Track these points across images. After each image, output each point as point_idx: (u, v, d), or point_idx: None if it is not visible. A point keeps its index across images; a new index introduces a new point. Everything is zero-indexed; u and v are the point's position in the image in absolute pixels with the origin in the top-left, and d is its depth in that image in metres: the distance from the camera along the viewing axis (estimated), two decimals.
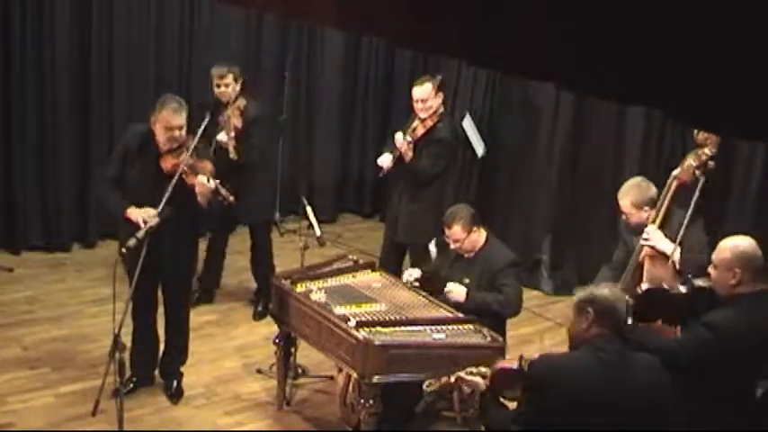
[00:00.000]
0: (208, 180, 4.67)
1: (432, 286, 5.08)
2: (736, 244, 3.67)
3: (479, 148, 7.25)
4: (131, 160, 4.84)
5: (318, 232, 5.31)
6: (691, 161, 4.33)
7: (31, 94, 6.73)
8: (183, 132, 4.77)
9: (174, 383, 5.15)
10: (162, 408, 5.06)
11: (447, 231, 4.92)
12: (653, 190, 4.45)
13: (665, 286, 4.08)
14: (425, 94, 5.76)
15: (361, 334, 4.30)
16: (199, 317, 5.88)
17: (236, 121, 5.94)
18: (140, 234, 4.43)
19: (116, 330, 4.20)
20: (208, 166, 4.81)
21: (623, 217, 4.57)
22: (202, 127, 4.84)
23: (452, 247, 4.95)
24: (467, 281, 4.90)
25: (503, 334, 4.69)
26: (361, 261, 5.28)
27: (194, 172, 4.70)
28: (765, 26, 1.66)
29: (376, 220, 8.43)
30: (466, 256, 4.95)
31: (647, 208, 4.42)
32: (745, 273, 3.60)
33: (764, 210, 5.81)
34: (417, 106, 5.80)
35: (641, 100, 2.07)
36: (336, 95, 8.36)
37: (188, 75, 7.31)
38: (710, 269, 3.72)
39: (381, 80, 8.47)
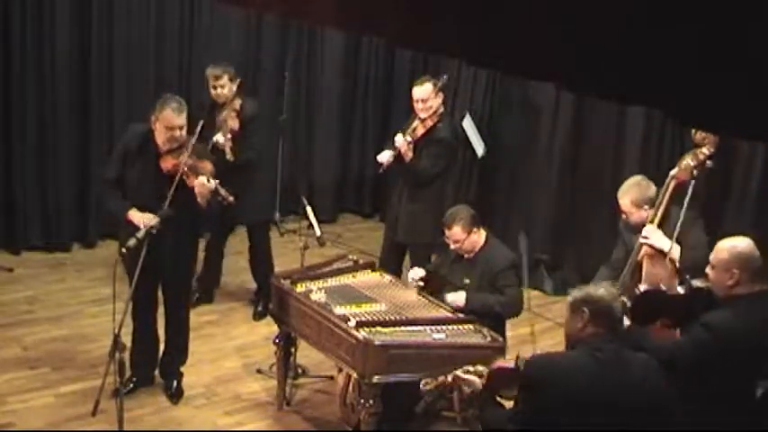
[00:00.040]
0: (208, 180, 4.67)
1: (432, 286, 5.08)
2: (734, 244, 3.67)
3: (479, 148, 7.25)
4: (131, 160, 4.84)
5: (318, 232, 5.31)
6: (689, 161, 4.34)
7: (31, 94, 6.73)
8: (184, 132, 4.78)
9: (174, 383, 5.15)
10: (162, 408, 5.06)
11: (447, 232, 4.92)
12: (653, 189, 4.46)
13: (663, 287, 4.08)
14: (425, 94, 5.76)
15: (361, 334, 4.29)
16: (199, 317, 5.89)
17: (233, 123, 5.92)
18: (140, 234, 4.43)
19: (116, 330, 4.19)
20: (208, 166, 4.81)
21: (623, 216, 4.57)
22: (198, 128, 4.83)
23: (452, 247, 4.95)
24: (467, 281, 4.90)
25: (503, 334, 4.69)
26: (361, 261, 5.28)
27: (194, 172, 4.70)
28: (765, 26, 1.66)
29: (376, 220, 8.44)
30: (466, 256, 4.95)
31: (646, 207, 4.42)
32: (743, 273, 3.60)
33: (764, 210, 5.81)
34: (417, 106, 5.80)
35: (641, 100, 2.07)
36: (336, 95, 8.36)
37: (188, 75, 7.31)
38: (708, 270, 3.72)
39: (381, 80, 8.47)
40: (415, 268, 5.14)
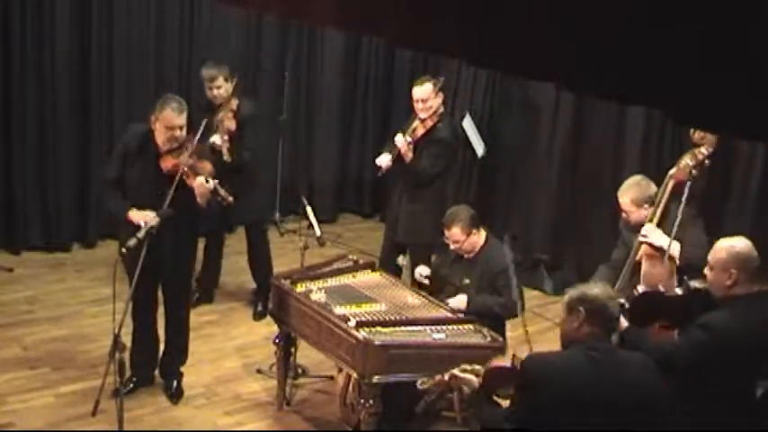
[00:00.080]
0: (207, 180, 4.68)
1: (432, 286, 5.09)
2: (732, 245, 3.66)
3: (479, 148, 7.25)
4: (131, 160, 4.84)
5: (318, 232, 5.31)
6: (687, 160, 4.34)
7: (31, 94, 6.73)
8: (184, 132, 4.78)
9: (174, 383, 5.15)
10: (162, 408, 5.06)
11: (446, 233, 4.92)
12: (653, 188, 4.47)
13: (661, 288, 4.08)
14: (425, 94, 5.76)
15: (361, 334, 4.30)
16: (199, 317, 5.88)
17: (230, 124, 5.90)
18: (140, 234, 4.43)
19: (116, 330, 4.19)
20: (207, 166, 4.81)
21: (623, 215, 4.58)
22: (201, 128, 4.83)
23: (452, 248, 4.95)
24: (467, 281, 4.91)
25: (503, 334, 4.70)
26: (361, 261, 5.28)
27: (194, 172, 4.70)
28: (765, 26, 1.66)
29: (376, 220, 8.43)
30: (466, 256, 4.95)
31: (646, 206, 4.43)
32: (741, 273, 3.60)
33: (764, 210, 5.80)
34: (417, 106, 5.80)
35: (641, 100, 2.07)
36: (336, 95, 8.36)
37: (188, 75, 7.30)
38: (707, 271, 3.71)
39: (381, 80, 8.46)
40: (421, 266, 5.14)
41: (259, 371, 5.47)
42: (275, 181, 7.94)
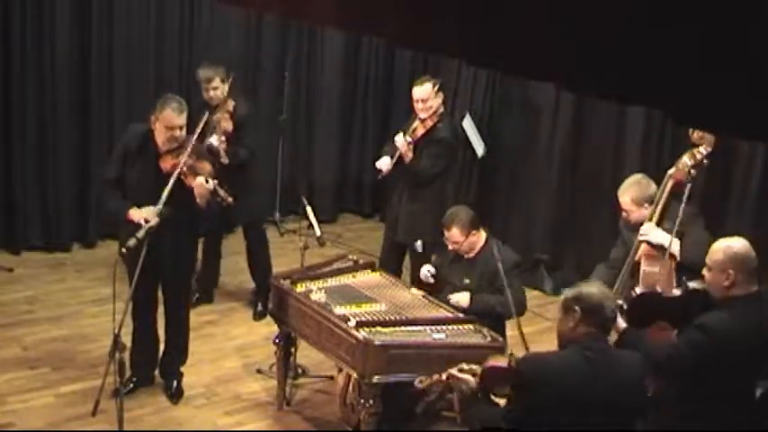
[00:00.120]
0: (206, 181, 4.68)
1: (432, 286, 5.08)
2: (729, 245, 3.66)
3: (479, 148, 7.25)
4: (131, 160, 4.84)
5: (318, 232, 5.31)
6: (686, 160, 4.35)
7: (31, 94, 6.73)
8: (184, 132, 4.78)
9: (174, 383, 5.15)
10: (162, 408, 5.06)
11: (446, 233, 4.92)
12: (653, 187, 4.47)
13: (660, 289, 4.08)
14: (425, 94, 5.75)
15: (361, 334, 4.30)
16: (199, 317, 5.88)
17: (226, 125, 5.88)
18: (140, 234, 4.43)
19: (116, 330, 4.20)
20: (207, 166, 4.81)
21: (623, 214, 4.58)
22: (200, 127, 4.83)
23: (450, 248, 4.95)
24: (467, 281, 4.90)
25: (503, 334, 4.70)
26: (361, 261, 5.28)
27: (193, 173, 4.70)
28: (765, 26, 1.66)
29: (376, 220, 8.43)
30: (466, 256, 4.95)
31: (647, 205, 4.43)
32: (739, 274, 3.59)
33: (764, 210, 5.80)
34: (417, 106, 5.80)
35: (641, 100, 2.07)
36: (336, 95, 8.36)
37: (188, 75, 7.28)
38: (705, 271, 3.71)
39: (381, 80, 8.46)
40: (427, 265, 5.14)
41: (259, 371, 5.47)
42: (275, 181, 7.95)
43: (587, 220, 6.92)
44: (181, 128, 4.76)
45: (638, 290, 4.21)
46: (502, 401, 3.40)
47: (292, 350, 5.12)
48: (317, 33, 8.08)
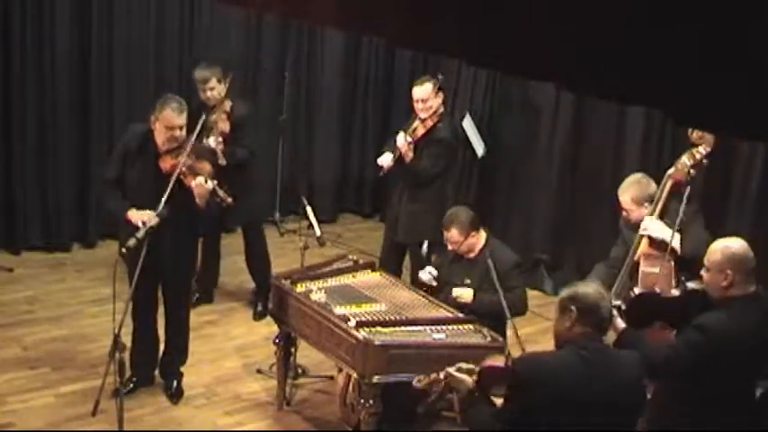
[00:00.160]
0: (205, 181, 4.68)
1: (433, 288, 5.07)
2: (727, 245, 3.65)
3: (479, 148, 7.25)
4: (131, 160, 4.84)
5: (318, 232, 5.31)
6: (685, 160, 4.35)
7: (31, 94, 6.73)
8: (183, 132, 4.78)
9: (174, 383, 5.15)
10: (162, 408, 5.06)
11: (445, 234, 4.93)
12: (653, 186, 4.47)
13: (658, 290, 4.08)
14: (425, 94, 5.76)
15: (361, 334, 4.30)
16: (199, 317, 5.88)
17: (224, 126, 5.86)
18: (140, 234, 4.43)
19: (116, 330, 4.20)
20: (206, 167, 4.81)
21: (623, 213, 4.58)
22: (198, 127, 4.82)
23: (449, 248, 4.95)
24: (467, 282, 4.90)
25: (503, 334, 4.69)
26: (361, 261, 5.28)
27: (193, 173, 4.70)
28: (765, 26, 1.66)
29: (376, 220, 8.43)
30: (467, 257, 4.95)
31: (646, 204, 4.43)
32: (737, 274, 3.58)
33: (764, 210, 5.80)
34: (417, 106, 5.80)
35: (641, 100, 2.07)
36: (336, 95, 8.36)
37: (188, 75, 7.24)
38: (703, 272, 3.71)
39: (381, 80, 8.46)
40: (428, 267, 5.13)
41: (259, 371, 5.47)
42: (275, 181, 7.94)
43: (587, 220, 6.92)
44: (181, 128, 4.76)
45: (637, 290, 4.21)
46: (500, 401, 3.40)
47: (292, 350, 5.12)
48: (317, 33, 8.08)
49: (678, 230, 4.19)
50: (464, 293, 4.82)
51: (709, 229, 4.41)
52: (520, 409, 3.08)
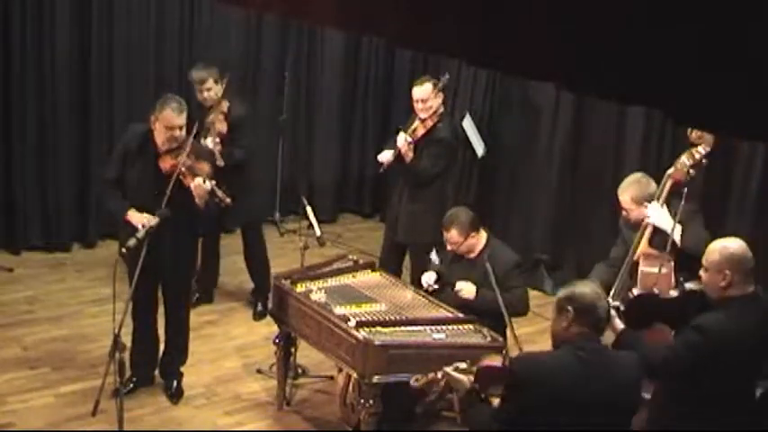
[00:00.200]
0: (204, 181, 4.68)
1: (434, 292, 5.06)
2: (726, 245, 3.65)
3: (479, 148, 7.25)
4: (131, 160, 4.84)
5: (318, 232, 5.31)
6: (684, 160, 4.35)
7: (31, 94, 6.73)
8: (183, 132, 4.78)
9: (174, 383, 5.15)
10: (162, 408, 5.06)
11: (445, 234, 4.92)
12: (653, 186, 4.47)
13: (657, 290, 4.08)
14: (425, 94, 5.75)
15: (361, 334, 4.30)
16: (199, 317, 5.88)
17: (221, 126, 5.84)
18: (140, 234, 4.43)
19: (116, 330, 4.20)
20: (205, 167, 4.81)
21: (623, 213, 4.58)
22: (194, 131, 4.82)
23: (448, 249, 4.95)
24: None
25: (503, 334, 4.69)
26: (361, 261, 5.28)
27: (192, 173, 4.70)
28: (765, 26, 1.66)
29: (376, 220, 8.43)
30: (467, 257, 4.95)
31: (646, 204, 4.43)
32: (736, 274, 3.58)
33: (764, 210, 5.80)
34: (417, 106, 5.80)
35: (641, 100, 2.07)
36: (336, 95, 8.36)
37: (188, 75, 7.29)
38: (701, 272, 3.71)
39: (381, 80, 8.46)
40: (429, 272, 5.11)
41: (259, 371, 5.47)
42: (275, 181, 7.94)
43: (587, 220, 6.92)
44: (180, 128, 4.76)
45: (636, 291, 4.20)
46: (497, 402, 3.40)
47: (292, 350, 5.12)
48: (317, 33, 8.08)
49: (678, 222, 4.20)
50: (467, 288, 4.82)
51: (709, 229, 4.41)
52: (517, 409, 3.08)
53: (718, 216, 5.75)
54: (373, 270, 5.22)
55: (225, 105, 5.91)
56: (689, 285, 3.90)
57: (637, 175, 4.61)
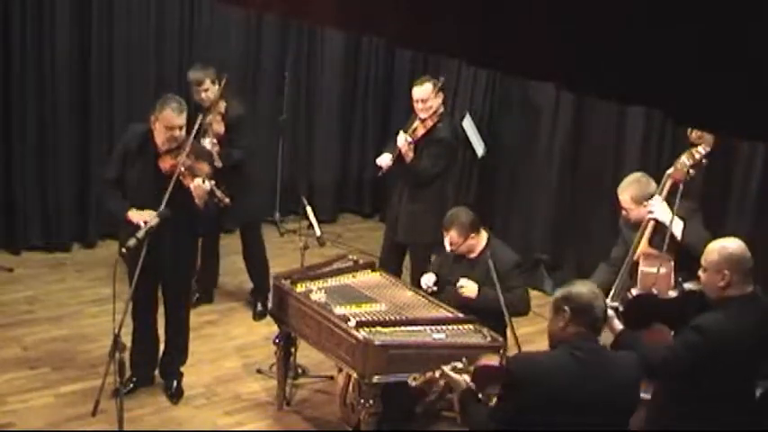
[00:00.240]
0: (203, 181, 4.68)
1: (433, 294, 5.06)
2: (724, 245, 3.65)
3: (479, 148, 7.25)
4: (131, 160, 4.85)
5: (318, 232, 5.31)
6: (684, 160, 4.35)
7: (31, 94, 6.73)
8: (183, 132, 4.78)
9: (174, 383, 5.16)
10: (162, 408, 5.06)
11: (445, 234, 4.92)
12: (653, 185, 4.47)
13: (655, 291, 4.08)
14: (425, 94, 5.75)
15: (361, 334, 4.30)
16: (199, 317, 5.88)
17: (218, 127, 5.84)
18: (140, 234, 4.43)
19: (116, 330, 4.20)
20: (204, 167, 4.81)
21: (623, 212, 4.58)
22: (194, 131, 4.82)
23: (448, 249, 4.95)
24: None
25: (503, 334, 4.69)
26: (361, 261, 5.28)
27: (191, 173, 4.70)
28: (765, 26, 1.66)
29: (376, 220, 8.43)
30: (468, 257, 4.95)
31: (646, 203, 4.43)
32: (734, 274, 3.58)
33: (764, 210, 5.80)
34: (417, 106, 5.80)
35: (641, 100, 2.07)
36: (336, 95, 8.36)
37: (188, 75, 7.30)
38: (700, 272, 3.71)
39: (381, 80, 8.46)
40: (428, 274, 5.11)
41: (259, 371, 5.47)
42: (275, 181, 7.94)
43: (587, 220, 6.92)
44: (180, 128, 4.76)
45: (634, 291, 4.20)
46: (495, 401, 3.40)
47: (292, 350, 5.12)
48: (317, 33, 8.08)
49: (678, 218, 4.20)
50: (468, 286, 4.81)
51: (710, 229, 4.40)
52: (514, 409, 3.08)
53: (718, 216, 5.75)
54: (373, 270, 5.23)
55: (222, 106, 5.91)
56: (688, 285, 3.90)
57: (636, 175, 4.61)
